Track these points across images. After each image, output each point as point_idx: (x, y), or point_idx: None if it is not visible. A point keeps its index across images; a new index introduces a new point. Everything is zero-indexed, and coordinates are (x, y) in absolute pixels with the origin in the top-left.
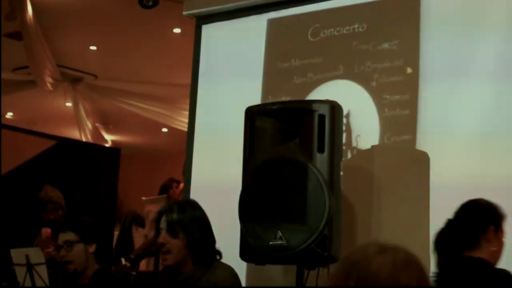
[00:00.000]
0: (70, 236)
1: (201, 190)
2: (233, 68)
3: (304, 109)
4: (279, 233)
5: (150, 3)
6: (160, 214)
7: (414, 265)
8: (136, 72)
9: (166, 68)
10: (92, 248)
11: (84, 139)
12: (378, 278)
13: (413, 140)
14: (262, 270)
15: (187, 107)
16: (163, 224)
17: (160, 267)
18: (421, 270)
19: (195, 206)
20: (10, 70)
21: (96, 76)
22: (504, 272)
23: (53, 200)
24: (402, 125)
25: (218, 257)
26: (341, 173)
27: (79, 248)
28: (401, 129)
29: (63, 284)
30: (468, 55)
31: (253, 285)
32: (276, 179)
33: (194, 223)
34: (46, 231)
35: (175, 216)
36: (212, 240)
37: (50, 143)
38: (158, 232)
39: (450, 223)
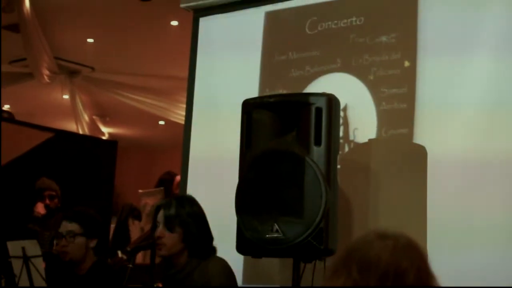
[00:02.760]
0: (74, 227)
1: (198, 183)
2: (230, 61)
3: (301, 102)
4: (276, 226)
5: None
6: (158, 208)
7: (415, 250)
8: (134, 64)
9: (164, 60)
10: (92, 243)
11: (81, 132)
12: (379, 262)
13: (411, 133)
14: (258, 263)
15: (184, 100)
16: (160, 218)
17: (157, 260)
18: (422, 256)
19: (193, 202)
20: (7, 62)
21: (93, 69)
22: None
23: (51, 187)
24: (400, 118)
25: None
26: (338, 166)
27: (80, 241)
28: (399, 122)
29: (60, 275)
30: (466, 50)
31: (250, 278)
32: (273, 172)
33: (191, 218)
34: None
35: (173, 211)
36: (209, 236)
37: (47, 135)
38: (155, 225)
39: None
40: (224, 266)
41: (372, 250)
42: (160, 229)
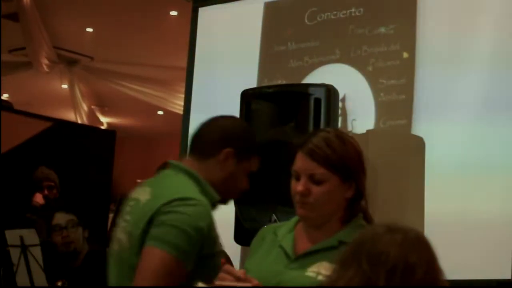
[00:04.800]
0: (72, 217)
1: None
2: (229, 51)
3: (300, 92)
4: (274, 216)
5: None
6: None
7: (424, 245)
8: (132, 54)
9: (162, 50)
10: (86, 234)
11: (79, 121)
12: (387, 256)
13: (409, 124)
14: None
15: (183, 90)
16: None
17: None
18: (430, 251)
19: None
20: (6, 51)
21: (92, 58)
22: None
23: (49, 177)
24: (398, 109)
25: None
26: None
27: (80, 230)
28: (397, 113)
29: (56, 267)
30: (465, 40)
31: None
32: (271, 162)
33: None
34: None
35: None
36: None
37: (46, 125)
38: None
39: None
40: (226, 258)
41: (381, 243)
42: None
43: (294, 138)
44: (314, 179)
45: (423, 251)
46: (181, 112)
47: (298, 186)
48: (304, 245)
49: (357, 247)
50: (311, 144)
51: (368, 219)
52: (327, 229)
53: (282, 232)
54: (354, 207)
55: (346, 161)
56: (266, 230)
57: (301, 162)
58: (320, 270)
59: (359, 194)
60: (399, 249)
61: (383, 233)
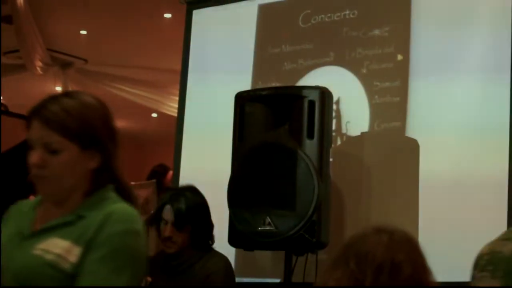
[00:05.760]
0: None
1: (190, 175)
2: (223, 54)
3: (294, 95)
4: (268, 219)
5: None
6: (163, 204)
7: (411, 244)
8: (126, 57)
9: (157, 53)
10: None
11: None
12: (374, 256)
13: (403, 127)
14: (250, 255)
15: (177, 92)
16: (168, 216)
17: (152, 251)
18: (418, 250)
19: (197, 193)
20: None
21: (86, 61)
22: None
23: None
24: (392, 112)
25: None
26: (331, 159)
27: None
28: (391, 116)
29: None
30: (459, 43)
31: (242, 271)
32: (266, 165)
33: (199, 213)
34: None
35: (183, 207)
36: (212, 226)
37: None
38: (159, 220)
39: None
40: (226, 263)
41: (368, 243)
42: (169, 228)
43: (288, 141)
44: (49, 149)
45: (410, 250)
46: (176, 115)
47: (32, 157)
48: (42, 224)
49: (346, 249)
50: (46, 109)
51: (124, 190)
52: (68, 205)
53: (25, 210)
54: (101, 179)
55: (87, 127)
56: (12, 209)
57: (35, 130)
58: (48, 247)
59: (106, 164)
60: (385, 249)
61: (371, 234)
